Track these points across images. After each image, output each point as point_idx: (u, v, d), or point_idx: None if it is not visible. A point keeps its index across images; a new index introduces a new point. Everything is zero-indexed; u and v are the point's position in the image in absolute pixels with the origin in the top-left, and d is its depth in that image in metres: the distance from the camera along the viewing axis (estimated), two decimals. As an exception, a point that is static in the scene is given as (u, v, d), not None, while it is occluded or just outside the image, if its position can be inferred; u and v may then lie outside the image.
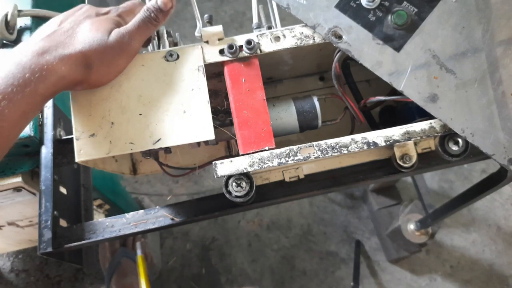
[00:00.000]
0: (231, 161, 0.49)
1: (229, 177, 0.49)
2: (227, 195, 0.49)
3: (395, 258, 1.26)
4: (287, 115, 0.55)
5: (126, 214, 0.60)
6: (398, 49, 0.50)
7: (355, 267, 1.26)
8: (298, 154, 0.49)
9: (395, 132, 0.50)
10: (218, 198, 0.59)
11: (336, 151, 0.49)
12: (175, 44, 0.63)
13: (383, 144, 0.50)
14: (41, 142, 0.65)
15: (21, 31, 0.70)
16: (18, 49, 0.44)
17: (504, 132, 0.49)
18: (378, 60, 0.50)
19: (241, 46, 0.52)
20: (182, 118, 0.49)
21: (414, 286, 1.27)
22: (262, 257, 1.31)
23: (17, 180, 0.67)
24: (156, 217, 0.59)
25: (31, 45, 0.44)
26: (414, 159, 0.54)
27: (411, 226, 1.18)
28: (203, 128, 0.49)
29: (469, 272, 1.28)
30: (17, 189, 0.69)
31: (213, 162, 0.49)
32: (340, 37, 0.51)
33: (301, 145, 0.49)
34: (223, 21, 1.68)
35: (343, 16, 0.51)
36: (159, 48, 0.60)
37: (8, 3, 0.68)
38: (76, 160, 0.49)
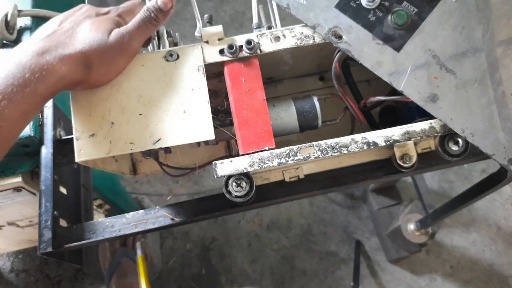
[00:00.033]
0: (231, 161, 0.49)
1: (229, 177, 0.49)
2: (227, 195, 0.49)
3: (395, 258, 1.26)
4: (287, 115, 0.55)
5: (126, 214, 0.60)
6: (398, 49, 0.50)
7: (355, 267, 1.26)
8: (298, 154, 0.49)
9: (395, 132, 0.50)
10: (218, 198, 0.59)
11: (336, 151, 0.49)
12: (175, 44, 0.63)
13: (383, 144, 0.50)
14: (41, 142, 0.65)
15: (21, 31, 0.70)
16: (18, 49, 0.44)
17: (504, 132, 0.49)
18: (378, 60, 0.50)
19: (241, 46, 0.52)
20: (182, 118, 0.49)
21: (414, 286, 1.27)
22: (262, 257, 1.31)
23: (17, 180, 0.67)
24: (156, 217, 0.59)
25: (31, 45, 0.44)
26: (414, 159, 0.54)
27: (411, 226, 1.18)
28: (203, 128, 0.49)
29: (469, 272, 1.28)
30: (17, 189, 0.69)
31: (213, 162, 0.49)
32: (340, 37, 0.51)
33: (301, 145, 0.49)
34: (223, 21, 1.68)
35: (343, 16, 0.51)
36: (159, 48, 0.60)
37: (8, 3, 0.68)
38: (76, 160, 0.49)
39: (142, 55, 0.51)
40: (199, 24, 0.54)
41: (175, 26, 1.66)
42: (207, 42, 0.53)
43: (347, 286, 1.27)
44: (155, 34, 0.60)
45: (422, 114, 0.53)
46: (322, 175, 0.59)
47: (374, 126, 0.62)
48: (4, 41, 0.67)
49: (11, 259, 1.30)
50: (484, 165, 1.41)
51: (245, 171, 0.48)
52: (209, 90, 0.51)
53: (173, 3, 0.50)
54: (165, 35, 0.61)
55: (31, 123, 0.65)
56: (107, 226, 0.59)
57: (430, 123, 0.50)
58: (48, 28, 0.47)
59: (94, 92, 0.50)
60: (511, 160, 0.49)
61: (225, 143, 0.69)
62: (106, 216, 1.01)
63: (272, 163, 0.49)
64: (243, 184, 0.49)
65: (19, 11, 0.68)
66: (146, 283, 0.88)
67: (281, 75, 0.67)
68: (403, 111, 0.62)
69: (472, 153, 0.51)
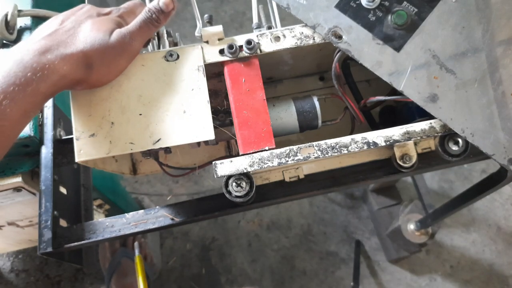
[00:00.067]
0: (231, 161, 0.49)
1: (229, 177, 0.49)
2: (227, 195, 0.49)
3: (395, 258, 1.26)
4: (287, 115, 0.55)
5: (126, 214, 0.60)
6: (398, 49, 0.50)
7: (355, 267, 1.26)
8: (298, 154, 0.49)
9: (395, 132, 0.50)
10: (218, 198, 0.59)
11: (336, 151, 0.49)
12: (175, 44, 0.63)
13: (383, 144, 0.50)
14: (41, 142, 0.65)
15: (21, 31, 0.70)
16: (19, 48, 0.44)
17: (504, 132, 0.49)
18: (378, 60, 0.50)
19: (241, 46, 0.52)
20: (182, 118, 0.49)
21: (414, 286, 1.27)
22: (262, 257, 1.31)
23: (17, 180, 0.67)
24: (156, 217, 0.59)
25: (32, 44, 0.44)
26: (414, 159, 0.54)
27: (411, 226, 1.18)
28: (203, 128, 0.49)
29: (469, 272, 1.28)
30: (17, 189, 0.69)
31: (213, 162, 0.49)
32: (340, 37, 0.51)
33: (301, 145, 0.49)
34: (223, 21, 1.68)
35: (343, 16, 0.51)
36: (159, 48, 0.60)
37: (8, 3, 0.68)
38: (76, 160, 0.49)
39: (142, 55, 0.51)
40: (199, 24, 0.54)
41: (175, 26, 1.66)
42: (207, 42, 0.53)
43: (347, 286, 1.27)
44: (155, 34, 0.60)
45: (422, 114, 0.53)
46: (322, 175, 0.59)
47: (374, 126, 0.62)
48: (4, 41, 0.67)
49: (11, 259, 1.30)
50: (484, 165, 1.41)
51: (245, 171, 0.48)
52: (209, 90, 0.51)
53: (175, 4, 0.50)
54: (165, 35, 0.61)
55: (31, 123, 0.65)
56: (107, 226, 0.59)
57: (430, 123, 0.50)
58: (49, 26, 0.47)
59: (94, 92, 0.50)
60: (511, 160, 0.49)
61: (225, 143, 0.69)
62: (106, 216, 1.01)
63: (272, 163, 0.49)
64: (243, 184, 0.49)
65: (19, 11, 0.68)
66: (144, 283, 0.88)
67: (281, 75, 0.67)
68: (403, 111, 0.62)
69: (472, 153, 0.51)
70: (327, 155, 0.49)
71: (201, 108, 0.50)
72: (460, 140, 0.50)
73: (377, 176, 0.59)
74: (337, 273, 1.29)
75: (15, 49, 0.44)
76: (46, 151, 0.64)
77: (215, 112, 0.56)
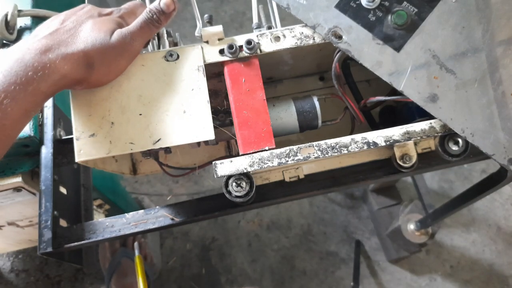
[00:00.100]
0: (231, 161, 0.49)
1: (229, 177, 0.49)
2: (227, 195, 0.49)
3: (395, 258, 1.26)
4: (287, 115, 0.55)
5: (126, 214, 0.60)
6: (398, 49, 0.50)
7: (355, 267, 1.26)
8: (298, 154, 0.49)
9: (395, 132, 0.50)
10: (218, 198, 0.59)
11: (336, 151, 0.49)
12: (175, 44, 0.64)
13: (383, 144, 0.50)
14: (41, 142, 0.65)
15: (21, 31, 0.70)
16: (20, 46, 0.44)
17: (504, 132, 0.49)
18: (378, 60, 0.50)
19: (241, 46, 0.52)
20: (182, 118, 0.49)
21: (414, 286, 1.27)
22: (262, 257, 1.31)
23: (17, 180, 0.67)
24: (156, 217, 0.59)
25: (33, 42, 0.44)
26: (414, 159, 0.54)
27: (411, 226, 1.18)
28: (203, 128, 0.49)
29: (469, 272, 1.28)
30: (17, 189, 0.69)
31: (213, 162, 0.49)
32: (340, 37, 0.51)
33: (301, 145, 0.49)
34: (223, 21, 1.68)
35: (343, 16, 0.51)
36: (159, 48, 0.60)
37: (8, 3, 0.68)
38: (76, 160, 0.49)
39: (142, 55, 0.51)
40: (199, 24, 0.54)
41: (175, 26, 1.66)
42: (207, 42, 0.53)
43: (347, 286, 1.27)
44: (155, 34, 0.60)
45: (422, 114, 0.53)
46: (322, 175, 0.59)
47: (374, 126, 0.62)
48: (4, 41, 0.67)
49: (11, 259, 1.30)
50: (484, 165, 1.41)
51: (245, 171, 0.48)
52: (209, 90, 0.51)
53: (176, 5, 0.50)
54: (165, 35, 0.61)
55: (31, 123, 0.65)
56: (107, 226, 0.59)
57: (430, 123, 0.50)
58: (50, 26, 0.47)
59: (94, 92, 0.50)
60: (511, 160, 0.49)
61: (225, 143, 0.69)
62: (106, 216, 1.01)
63: (272, 163, 0.49)
64: (243, 184, 0.49)
65: (19, 11, 0.68)
66: (144, 283, 0.88)
67: (281, 75, 0.67)
68: (403, 111, 0.62)
69: (472, 153, 0.51)
70: (327, 155, 0.49)
71: (201, 108, 0.50)
72: (460, 140, 0.50)
73: (377, 176, 0.59)
74: (337, 273, 1.29)
75: (16, 48, 0.44)
76: (46, 151, 0.64)
77: (215, 112, 0.56)
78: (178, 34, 0.66)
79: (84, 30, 0.46)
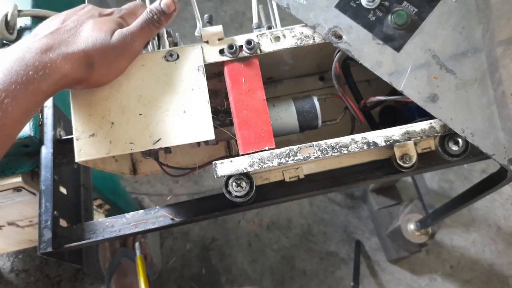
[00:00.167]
0: (231, 161, 0.49)
1: (229, 177, 0.49)
2: (227, 195, 0.49)
3: (395, 258, 1.26)
4: (287, 115, 0.55)
5: (126, 214, 0.60)
6: (398, 49, 0.50)
7: (355, 267, 1.26)
8: (298, 154, 0.49)
9: (395, 132, 0.50)
10: (218, 198, 0.59)
11: (336, 151, 0.49)
12: (175, 44, 0.64)
13: (383, 144, 0.50)
14: (41, 142, 0.65)
15: (21, 31, 0.70)
16: (21, 45, 0.44)
17: (504, 132, 0.49)
18: (378, 60, 0.50)
19: (241, 46, 0.52)
20: (182, 118, 0.49)
21: (414, 286, 1.27)
22: (262, 257, 1.31)
23: (17, 180, 0.67)
24: (156, 217, 0.59)
25: (34, 42, 0.44)
26: (414, 159, 0.54)
27: (411, 226, 1.18)
28: (203, 128, 0.49)
29: (469, 272, 1.28)
30: (17, 189, 0.69)
31: (213, 162, 0.49)
32: (340, 37, 0.51)
33: (301, 145, 0.49)
34: (223, 21, 1.68)
35: (343, 16, 0.51)
36: (159, 48, 0.60)
37: (8, 3, 0.68)
38: (76, 160, 0.49)
39: (142, 55, 0.51)
40: (199, 24, 0.54)
41: (175, 26, 1.66)
42: (207, 42, 0.53)
43: (347, 286, 1.27)
44: (155, 34, 0.60)
45: (422, 114, 0.53)
46: (322, 175, 0.59)
47: (374, 126, 0.62)
48: (4, 41, 0.67)
49: (11, 259, 1.30)
50: (484, 165, 1.41)
51: (245, 171, 0.48)
52: (209, 90, 0.51)
53: (176, 6, 0.50)
54: (165, 35, 0.61)
55: (31, 123, 0.65)
56: (107, 226, 0.59)
57: (430, 123, 0.50)
58: (50, 25, 0.47)
59: (94, 92, 0.50)
60: (511, 160, 0.49)
61: (225, 143, 0.69)
62: (106, 216, 1.01)
63: (272, 163, 0.49)
64: (243, 184, 0.49)
65: (19, 11, 0.68)
66: (145, 283, 0.88)
67: (281, 75, 0.67)
68: (403, 111, 0.62)
69: (472, 153, 0.51)
70: (327, 155, 0.49)
71: (201, 108, 0.50)
72: (460, 140, 0.50)
73: (377, 176, 0.59)
74: (337, 273, 1.29)
75: (16, 47, 0.44)
76: (46, 151, 0.64)
77: (215, 112, 0.56)
78: (178, 34, 0.66)
79: (84, 30, 0.46)
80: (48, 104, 0.68)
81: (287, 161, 0.49)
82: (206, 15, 0.58)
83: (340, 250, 1.32)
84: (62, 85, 0.44)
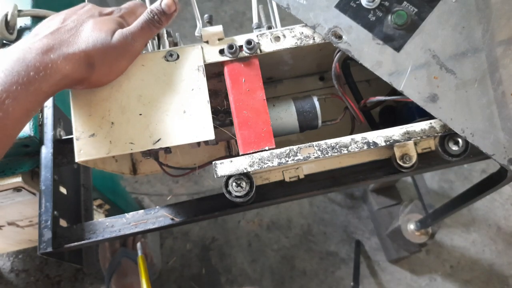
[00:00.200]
0: (231, 161, 0.49)
1: (229, 177, 0.49)
2: (227, 195, 0.49)
3: (395, 258, 1.26)
4: (287, 115, 0.55)
5: (126, 214, 0.60)
6: (398, 49, 0.50)
7: (355, 267, 1.26)
8: (298, 154, 0.49)
9: (395, 132, 0.50)
10: (218, 198, 0.59)
11: (336, 151, 0.49)
12: (175, 44, 0.64)
13: (383, 144, 0.50)
14: (41, 142, 0.65)
15: (21, 31, 0.70)
16: (21, 45, 0.43)
17: (504, 132, 0.49)
18: (378, 60, 0.50)
19: (241, 46, 0.52)
20: (182, 118, 0.49)
21: (414, 286, 1.27)
22: (262, 257, 1.31)
23: (17, 180, 0.67)
24: (156, 217, 0.59)
25: (34, 42, 0.44)
26: (414, 159, 0.54)
27: (411, 226, 1.18)
28: (203, 128, 0.49)
29: (469, 272, 1.28)
30: (17, 189, 0.69)
31: (213, 162, 0.49)
32: (340, 37, 0.51)
33: (301, 145, 0.49)
34: (223, 21, 1.68)
35: (343, 16, 0.51)
36: (159, 48, 0.60)
37: (8, 3, 0.68)
38: (76, 160, 0.49)
39: (142, 55, 0.51)
40: (199, 24, 0.54)
41: (175, 26, 1.66)
42: (207, 42, 0.53)
43: (347, 286, 1.27)
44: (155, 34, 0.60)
45: (422, 114, 0.53)
46: (322, 175, 0.59)
47: (374, 126, 0.62)
48: (4, 41, 0.67)
49: (11, 259, 1.30)
50: (484, 165, 1.41)
51: (245, 171, 0.48)
52: (209, 90, 0.51)
53: (177, 6, 0.50)
54: (165, 35, 0.61)
55: (31, 123, 0.65)
56: (107, 226, 0.59)
57: (430, 123, 0.50)
58: (50, 25, 0.47)
59: (94, 92, 0.50)
60: (511, 160, 0.49)
61: (225, 143, 0.69)
62: (106, 216, 1.01)
63: (272, 163, 0.49)
64: (243, 184, 0.49)
65: (19, 11, 0.68)
66: (147, 283, 0.88)
67: (281, 75, 0.67)
68: (403, 111, 0.62)
69: (472, 153, 0.51)
70: (327, 155, 0.49)
71: (201, 108, 0.50)
72: (460, 140, 0.50)
73: (377, 176, 0.59)
74: (337, 273, 1.29)
75: (17, 47, 0.43)
76: (46, 151, 0.64)
77: (215, 112, 0.56)
78: (178, 34, 0.66)
79: (85, 30, 0.46)
80: (48, 104, 0.68)
81: (287, 161, 0.49)
82: (206, 15, 0.58)
83: (340, 250, 1.32)
84: (62, 85, 0.44)
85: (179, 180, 1.42)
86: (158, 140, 0.49)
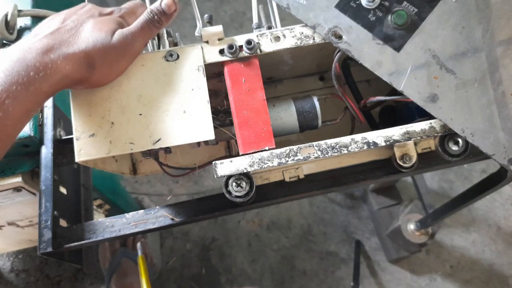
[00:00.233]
0: (231, 161, 0.49)
1: (229, 177, 0.49)
2: (227, 195, 0.49)
3: (395, 258, 1.26)
4: (287, 115, 0.55)
5: (126, 214, 0.60)
6: (398, 49, 0.50)
7: (355, 267, 1.26)
8: (298, 154, 0.49)
9: (395, 132, 0.50)
10: (218, 198, 0.59)
11: (336, 151, 0.49)
12: (175, 44, 0.64)
13: (383, 144, 0.50)
14: (41, 142, 0.65)
15: (21, 31, 0.70)
16: (21, 45, 0.43)
17: (504, 132, 0.49)
18: (378, 60, 0.50)
19: (241, 46, 0.52)
20: (182, 118, 0.49)
21: (414, 286, 1.27)
22: (262, 257, 1.31)
23: (17, 180, 0.67)
24: (156, 217, 0.59)
25: (34, 42, 0.44)
26: (414, 159, 0.54)
27: (411, 226, 1.18)
28: (203, 128, 0.49)
29: (469, 272, 1.28)
30: (17, 189, 0.69)
31: (213, 162, 0.49)
32: (340, 37, 0.51)
33: (301, 145, 0.49)
34: (223, 21, 1.68)
35: (343, 16, 0.51)
36: (159, 48, 0.60)
37: (8, 3, 0.68)
38: (76, 160, 0.49)
39: (142, 55, 0.51)
40: (199, 24, 0.54)
41: (175, 26, 1.66)
42: (207, 42, 0.53)
43: (347, 286, 1.27)
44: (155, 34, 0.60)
45: (422, 114, 0.53)
46: (322, 175, 0.59)
47: (374, 126, 0.62)
48: (4, 41, 0.67)
49: (11, 259, 1.30)
50: (484, 165, 1.41)
51: (245, 171, 0.48)
52: (209, 90, 0.51)
53: (177, 6, 0.50)
54: (165, 35, 0.61)
55: (31, 123, 0.65)
56: (107, 226, 0.59)
57: (430, 123, 0.50)
58: (50, 24, 0.47)
59: (94, 92, 0.50)
60: (511, 160, 0.49)
61: (225, 143, 0.69)
62: (106, 216, 1.01)
63: (272, 163, 0.49)
64: (243, 184, 0.49)
65: (19, 11, 0.68)
66: (147, 283, 0.88)
67: (281, 75, 0.67)
68: (403, 111, 0.62)
69: (472, 153, 0.51)
70: (327, 155, 0.49)
71: (201, 108, 0.50)
72: (460, 140, 0.50)
73: (377, 176, 0.59)
74: (337, 273, 1.29)
75: (17, 47, 0.43)
76: (46, 151, 0.64)
77: (215, 112, 0.56)
78: (178, 34, 0.66)
79: (85, 30, 0.46)
80: (48, 104, 0.68)
81: (287, 161, 0.49)
82: (206, 15, 0.58)
83: (340, 250, 1.32)
84: (63, 85, 0.44)
85: (179, 180, 1.42)
86: (158, 140, 0.49)
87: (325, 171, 0.59)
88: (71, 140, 0.60)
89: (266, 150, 0.49)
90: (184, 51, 0.52)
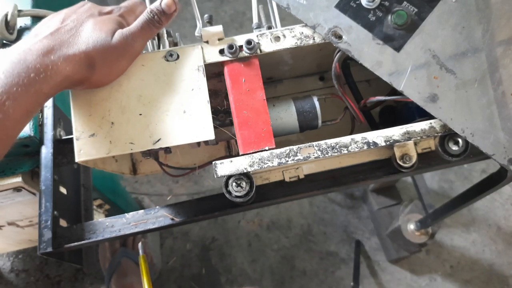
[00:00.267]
0: (231, 161, 0.49)
1: (229, 177, 0.49)
2: (227, 195, 0.49)
3: (395, 258, 1.26)
4: (287, 115, 0.55)
5: (126, 214, 0.60)
6: (398, 49, 0.50)
7: (355, 267, 1.26)
8: (298, 154, 0.49)
9: (395, 132, 0.50)
10: (218, 198, 0.59)
11: (336, 151, 0.49)
12: (175, 44, 0.63)
13: (383, 144, 0.50)
14: (41, 142, 0.65)
15: (21, 31, 0.70)
16: (21, 47, 0.43)
17: (504, 132, 0.49)
18: (378, 60, 0.50)
19: (241, 46, 0.52)
20: (182, 118, 0.49)
21: (414, 286, 1.27)
22: (262, 257, 1.31)
23: (17, 180, 0.67)
24: (156, 217, 0.59)
25: (35, 43, 0.43)
26: (414, 159, 0.54)
27: (411, 226, 1.18)
28: (203, 128, 0.49)
29: (469, 272, 1.28)
30: (17, 189, 0.69)
31: (213, 162, 0.49)
32: (340, 37, 0.51)
33: (301, 145, 0.49)
34: (223, 21, 1.68)
35: (343, 16, 0.51)
36: (159, 48, 0.60)
37: (8, 3, 0.68)
38: (76, 160, 0.49)
39: (142, 55, 0.51)
40: (199, 24, 0.54)
41: (175, 26, 1.66)
42: (207, 42, 0.53)
43: (347, 286, 1.27)
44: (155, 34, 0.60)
45: (422, 114, 0.53)
46: (322, 175, 0.59)
47: (374, 126, 0.62)
48: (4, 41, 0.67)
49: (11, 259, 1.30)
50: (484, 165, 1.41)
51: (245, 171, 0.48)
52: (209, 90, 0.51)
53: (177, 6, 0.50)
54: (165, 35, 0.61)
55: (31, 123, 0.65)
56: (107, 226, 0.59)
57: (430, 123, 0.50)
58: (50, 25, 0.47)
59: (94, 92, 0.50)
60: (511, 160, 0.49)
61: (225, 143, 0.69)
62: (106, 216, 1.01)
63: (272, 163, 0.49)
64: (243, 184, 0.49)
65: (19, 11, 0.68)
66: (149, 283, 0.88)
67: (281, 75, 0.67)
68: (403, 111, 0.62)
69: (472, 153, 0.51)
70: (327, 155, 0.49)
71: (201, 108, 0.50)
72: (460, 140, 0.50)
73: (377, 176, 0.59)
74: (337, 273, 1.29)
75: (17, 48, 0.43)
76: (46, 151, 0.64)
77: (215, 112, 0.56)
78: (178, 34, 0.66)
79: (85, 30, 0.46)
80: (48, 104, 0.68)
81: (287, 161, 0.49)
82: (206, 15, 0.58)
83: (340, 250, 1.32)
84: (63, 86, 0.44)
85: (179, 180, 1.42)
86: (158, 140, 0.49)
87: (325, 171, 0.59)
88: (71, 140, 0.60)
89: (266, 150, 0.49)
90: (184, 51, 0.52)
